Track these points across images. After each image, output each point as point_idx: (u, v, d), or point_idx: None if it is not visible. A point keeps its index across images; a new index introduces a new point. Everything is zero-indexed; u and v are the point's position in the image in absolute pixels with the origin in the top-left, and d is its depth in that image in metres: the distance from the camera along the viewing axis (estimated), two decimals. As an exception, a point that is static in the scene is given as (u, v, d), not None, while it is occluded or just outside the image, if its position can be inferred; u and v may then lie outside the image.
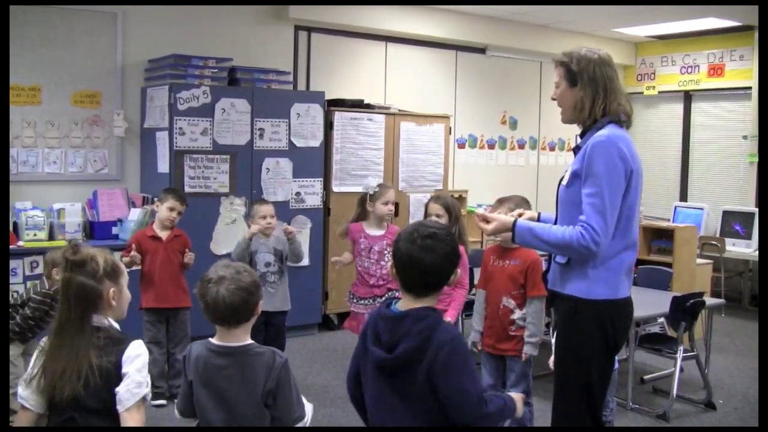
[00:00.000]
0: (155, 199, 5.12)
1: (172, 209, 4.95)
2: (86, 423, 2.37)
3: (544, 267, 3.83)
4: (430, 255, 2.32)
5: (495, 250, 4.20)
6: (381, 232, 4.88)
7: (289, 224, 6.51)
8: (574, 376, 2.98)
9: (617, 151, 2.83)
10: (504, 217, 3.07)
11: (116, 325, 2.49)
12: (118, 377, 2.37)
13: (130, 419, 2.35)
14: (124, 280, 2.54)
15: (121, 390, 2.35)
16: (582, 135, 3.02)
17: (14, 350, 4.26)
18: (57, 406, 2.39)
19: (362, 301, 4.85)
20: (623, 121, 2.95)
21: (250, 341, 2.49)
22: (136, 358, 2.39)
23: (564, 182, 3.00)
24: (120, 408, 2.35)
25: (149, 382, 2.42)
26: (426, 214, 4.52)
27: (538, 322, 3.99)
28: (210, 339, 2.51)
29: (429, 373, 2.26)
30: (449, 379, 2.26)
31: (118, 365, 2.37)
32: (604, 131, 2.88)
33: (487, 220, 3.07)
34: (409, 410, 2.32)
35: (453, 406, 2.28)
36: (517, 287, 4.00)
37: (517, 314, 4.01)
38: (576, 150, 3.00)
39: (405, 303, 2.38)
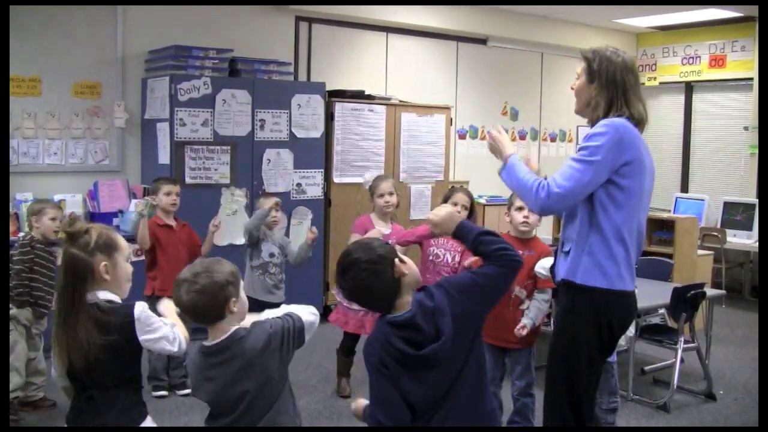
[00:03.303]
0: (150, 195, 5.15)
1: (169, 194, 4.98)
2: (103, 398, 2.44)
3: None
4: (376, 279, 2.40)
5: (508, 240, 4.20)
6: (387, 231, 4.78)
7: (290, 216, 6.56)
8: (561, 365, 2.99)
9: (617, 137, 2.85)
10: (509, 148, 3.09)
11: (115, 297, 2.50)
12: (133, 351, 2.45)
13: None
14: (121, 255, 2.52)
15: (152, 347, 2.50)
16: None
17: (26, 314, 4.43)
18: (78, 384, 2.48)
19: None
20: (634, 118, 2.96)
21: (234, 327, 2.45)
22: (151, 331, 2.47)
23: None
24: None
25: (164, 323, 2.52)
26: (449, 203, 4.47)
27: (541, 308, 3.99)
28: (203, 342, 2.49)
29: (464, 314, 2.40)
30: (465, 282, 2.47)
31: (133, 339, 2.43)
32: (611, 118, 2.92)
33: (494, 139, 3.12)
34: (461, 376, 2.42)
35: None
36: (530, 277, 4.01)
37: (526, 304, 4.02)
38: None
39: (395, 309, 2.44)
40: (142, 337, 2.44)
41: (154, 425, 2.60)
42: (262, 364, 2.42)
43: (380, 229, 4.72)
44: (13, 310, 4.40)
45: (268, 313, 2.57)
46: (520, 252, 4.05)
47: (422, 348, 2.35)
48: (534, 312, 3.98)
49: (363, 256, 2.39)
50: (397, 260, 2.41)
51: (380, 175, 5.22)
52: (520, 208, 4.03)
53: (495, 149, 3.11)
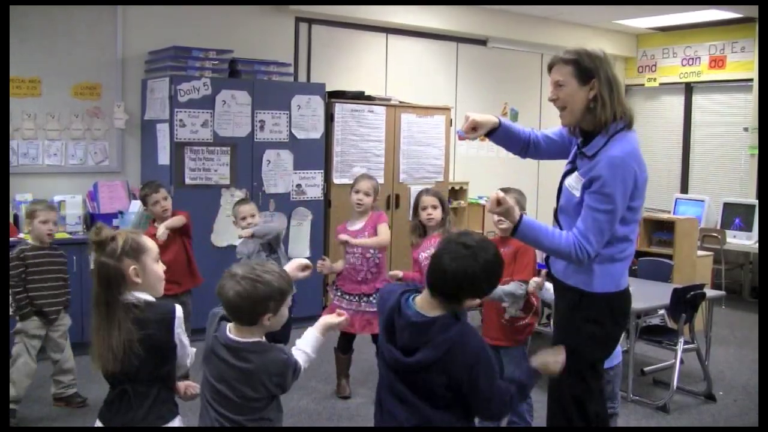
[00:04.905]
0: (142, 206, 5.17)
1: (156, 203, 4.98)
2: (136, 392, 2.49)
3: (541, 258, 3.85)
4: (453, 264, 2.32)
5: (495, 240, 4.21)
6: (360, 225, 4.85)
7: (289, 217, 6.56)
8: (569, 364, 2.99)
9: (631, 171, 2.83)
10: (515, 207, 2.95)
11: (150, 299, 2.55)
12: (168, 348, 2.50)
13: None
14: (149, 257, 2.56)
15: (181, 362, 2.57)
16: (586, 138, 2.95)
17: (34, 324, 4.46)
18: (111, 381, 2.54)
19: (347, 296, 4.84)
20: (625, 126, 2.92)
21: (256, 339, 2.50)
22: (184, 331, 2.54)
23: (574, 192, 2.95)
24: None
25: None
26: (418, 207, 4.50)
27: (516, 291, 3.95)
28: (227, 326, 2.53)
29: (452, 383, 2.30)
30: (479, 391, 2.31)
31: (170, 337, 2.49)
32: (616, 151, 2.82)
33: (499, 202, 2.93)
34: (420, 402, 2.35)
35: (483, 409, 2.36)
36: (509, 274, 4.00)
37: (507, 302, 4.02)
38: (580, 155, 2.96)
39: (424, 302, 2.38)
40: (177, 330, 2.50)
41: (182, 426, 2.61)
42: (260, 381, 2.47)
43: (349, 230, 4.85)
44: (19, 324, 4.45)
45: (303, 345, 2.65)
46: (500, 249, 4.08)
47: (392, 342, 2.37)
48: (511, 287, 3.94)
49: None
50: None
51: (364, 173, 5.23)
52: None
53: (502, 212, 2.95)
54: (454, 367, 2.28)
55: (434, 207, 4.43)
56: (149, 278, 2.55)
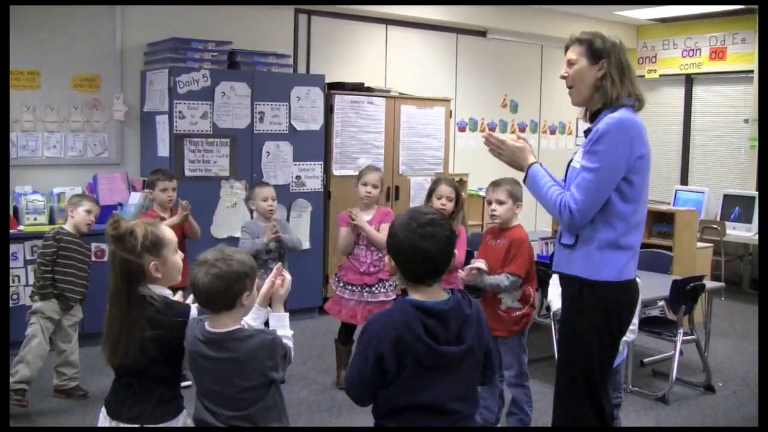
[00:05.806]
0: (147, 189, 5.21)
1: (165, 190, 5.03)
2: (141, 387, 2.51)
3: (540, 250, 3.85)
4: (432, 242, 2.26)
5: (492, 230, 4.23)
6: (368, 217, 4.85)
7: (289, 209, 6.56)
8: (575, 358, 3.00)
9: (627, 137, 2.84)
10: (529, 155, 3.03)
11: (168, 292, 2.57)
12: (180, 348, 2.49)
13: None
14: (169, 249, 2.56)
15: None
16: (592, 118, 3.01)
17: (52, 306, 4.50)
18: (118, 371, 2.56)
19: (349, 287, 4.85)
20: (634, 104, 2.95)
21: (236, 326, 2.46)
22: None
23: (576, 165, 2.98)
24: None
25: None
26: (433, 196, 4.51)
27: (502, 282, 3.94)
28: (205, 322, 2.49)
29: (483, 346, 2.35)
30: (489, 348, 2.41)
31: (180, 338, 2.49)
32: (616, 114, 2.88)
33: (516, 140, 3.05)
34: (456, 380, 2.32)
35: (493, 366, 2.45)
36: (503, 266, 4.01)
37: (503, 294, 4.03)
38: (587, 132, 3.00)
39: (428, 294, 2.30)
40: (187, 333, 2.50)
41: (189, 420, 2.60)
42: (252, 368, 2.43)
43: (363, 216, 4.81)
44: (37, 304, 4.51)
45: (276, 328, 2.58)
46: (496, 240, 4.09)
47: (440, 343, 2.25)
48: (496, 279, 3.96)
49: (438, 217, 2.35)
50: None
51: (371, 165, 5.23)
52: (489, 203, 4.10)
53: (511, 153, 3.02)
54: (485, 332, 2.35)
55: (449, 199, 4.45)
56: (169, 271, 2.56)
